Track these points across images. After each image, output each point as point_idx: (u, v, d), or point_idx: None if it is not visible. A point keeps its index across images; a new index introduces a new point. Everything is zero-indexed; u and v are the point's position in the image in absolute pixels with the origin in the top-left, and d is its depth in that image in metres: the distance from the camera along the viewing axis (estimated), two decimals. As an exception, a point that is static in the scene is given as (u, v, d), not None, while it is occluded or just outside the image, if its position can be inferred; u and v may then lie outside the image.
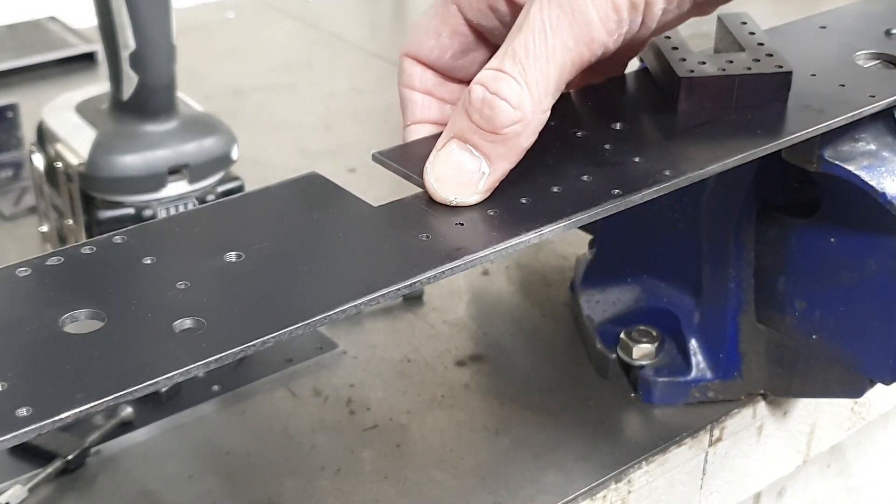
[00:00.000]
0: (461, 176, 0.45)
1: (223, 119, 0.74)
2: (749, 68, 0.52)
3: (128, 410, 0.62)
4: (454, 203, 0.45)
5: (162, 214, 0.69)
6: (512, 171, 0.47)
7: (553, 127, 0.53)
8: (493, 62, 0.45)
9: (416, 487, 0.59)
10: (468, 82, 0.46)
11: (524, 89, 0.44)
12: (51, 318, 0.37)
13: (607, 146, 0.50)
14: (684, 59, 0.53)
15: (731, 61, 0.53)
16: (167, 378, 0.35)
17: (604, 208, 0.45)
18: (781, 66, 0.52)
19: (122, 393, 0.34)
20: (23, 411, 0.33)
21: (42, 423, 0.33)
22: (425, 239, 0.43)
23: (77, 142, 0.70)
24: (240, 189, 0.73)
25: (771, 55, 0.53)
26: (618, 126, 0.51)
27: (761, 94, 0.52)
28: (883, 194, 0.55)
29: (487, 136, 0.45)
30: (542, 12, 0.44)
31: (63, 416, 0.33)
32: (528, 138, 0.45)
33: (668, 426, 0.63)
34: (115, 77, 0.69)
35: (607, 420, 0.64)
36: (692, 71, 0.52)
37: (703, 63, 0.53)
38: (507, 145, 0.45)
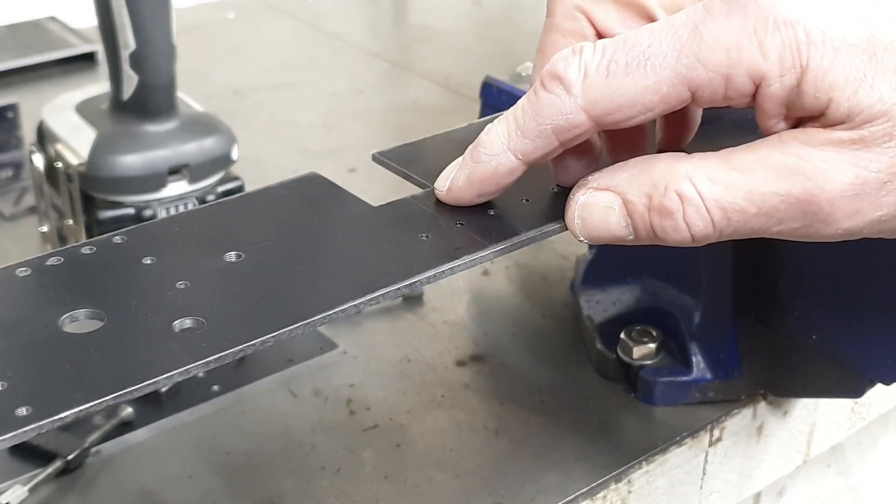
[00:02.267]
0: (603, 232, 0.43)
1: (223, 119, 0.74)
2: None
3: (128, 410, 0.62)
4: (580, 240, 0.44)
5: (162, 214, 0.69)
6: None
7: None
8: (711, 160, 0.40)
9: (416, 487, 0.59)
10: None
11: (707, 225, 0.40)
12: (50, 318, 0.38)
13: (607, 146, 0.50)
14: None
15: None
16: (167, 377, 0.35)
17: (603, 208, 0.45)
18: None
19: (121, 392, 0.34)
20: (22, 410, 0.33)
21: (42, 423, 0.33)
22: (425, 239, 0.43)
23: (77, 142, 0.70)
24: (240, 189, 0.73)
25: None
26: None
27: None
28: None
29: (652, 235, 0.42)
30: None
31: (63, 415, 0.33)
32: None
33: (668, 426, 0.63)
34: (115, 77, 0.69)
35: (607, 420, 0.64)
36: None
37: None
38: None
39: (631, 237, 0.42)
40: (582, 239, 0.43)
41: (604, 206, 0.42)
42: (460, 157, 0.45)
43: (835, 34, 0.38)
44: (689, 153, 0.42)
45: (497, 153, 0.43)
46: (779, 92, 0.39)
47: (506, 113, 0.43)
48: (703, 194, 0.40)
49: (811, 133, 0.39)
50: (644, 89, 0.40)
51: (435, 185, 0.46)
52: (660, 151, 0.48)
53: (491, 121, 0.50)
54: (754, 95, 0.39)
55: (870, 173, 0.38)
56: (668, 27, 0.40)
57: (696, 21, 0.39)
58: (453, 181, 0.45)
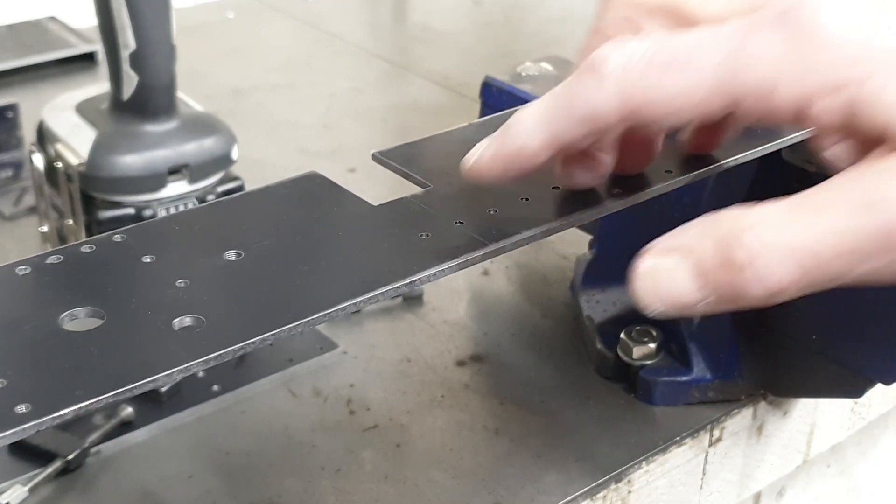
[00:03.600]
0: (668, 297, 0.39)
1: (223, 119, 0.74)
2: None
3: (128, 410, 0.62)
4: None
5: (162, 214, 0.69)
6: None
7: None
8: (779, 205, 0.37)
9: (416, 487, 0.59)
10: None
11: (783, 276, 0.36)
12: (50, 316, 0.37)
13: (607, 145, 0.50)
14: None
15: None
16: (166, 375, 0.35)
17: (604, 208, 0.45)
18: None
19: (121, 390, 0.34)
20: (22, 408, 0.33)
21: (41, 420, 0.33)
22: (425, 238, 0.43)
23: (77, 142, 0.70)
24: (240, 189, 0.73)
25: None
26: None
27: None
28: (883, 194, 0.55)
29: (726, 297, 0.38)
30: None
31: (62, 412, 0.33)
32: None
33: (668, 426, 0.63)
34: (115, 77, 0.69)
35: (607, 420, 0.64)
36: None
37: None
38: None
39: (705, 302, 0.38)
40: (650, 313, 0.39)
41: (670, 270, 0.39)
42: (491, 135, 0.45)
43: (890, 48, 0.36)
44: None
45: (524, 133, 0.43)
46: (827, 111, 0.37)
47: (543, 95, 0.43)
48: (773, 242, 0.36)
49: (886, 160, 0.36)
50: (682, 89, 0.39)
51: (462, 161, 0.45)
52: (688, 154, 0.48)
53: (491, 121, 0.51)
54: (804, 116, 0.38)
55: None
56: (716, 33, 0.39)
57: (744, 31, 0.38)
58: (479, 157, 0.44)
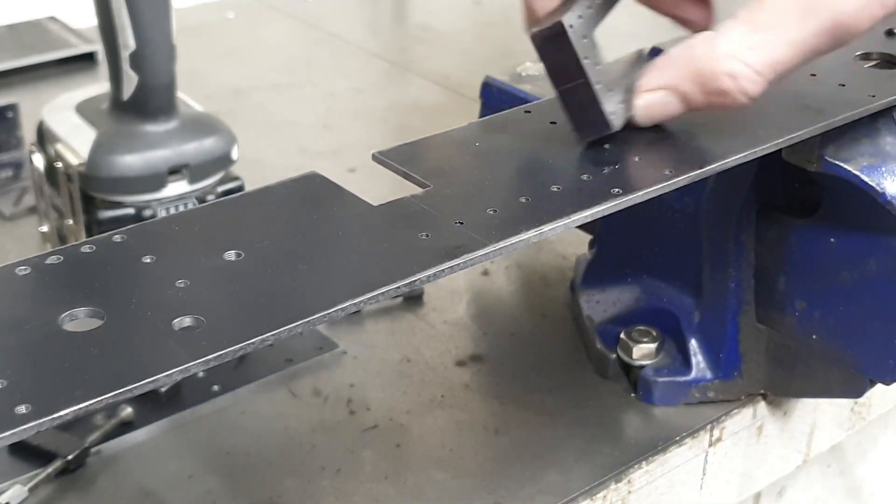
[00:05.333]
0: (666, 118, 0.49)
1: (223, 119, 0.74)
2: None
3: (128, 410, 0.62)
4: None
5: (162, 214, 0.69)
6: (511, 170, 0.47)
7: (553, 126, 0.53)
8: (739, 29, 0.46)
9: (416, 487, 0.59)
10: None
11: (761, 84, 0.46)
12: (50, 317, 0.37)
13: (607, 145, 0.50)
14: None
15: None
16: (166, 375, 0.35)
17: (603, 207, 0.45)
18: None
19: (121, 390, 0.34)
20: (22, 409, 0.33)
21: (41, 421, 0.33)
22: (425, 238, 0.43)
23: (77, 142, 0.70)
24: (240, 189, 0.73)
25: None
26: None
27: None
28: (883, 194, 0.55)
29: (710, 106, 0.48)
30: None
31: (62, 413, 0.33)
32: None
33: (668, 426, 0.63)
34: (115, 77, 0.69)
35: (607, 420, 0.64)
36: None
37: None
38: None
39: (689, 111, 0.49)
40: (645, 124, 0.50)
41: (662, 102, 0.49)
42: None
43: None
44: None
45: None
46: None
47: None
48: (750, 63, 0.45)
49: None
50: None
51: None
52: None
53: (491, 121, 0.51)
54: None
55: None
56: None
57: None
58: None
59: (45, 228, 0.77)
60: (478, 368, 0.69)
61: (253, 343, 0.37)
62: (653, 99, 0.49)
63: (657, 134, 0.51)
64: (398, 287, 0.40)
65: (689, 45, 0.48)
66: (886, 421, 0.87)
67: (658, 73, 0.49)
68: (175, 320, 0.37)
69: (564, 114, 0.51)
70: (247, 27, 1.26)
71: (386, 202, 0.45)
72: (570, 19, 0.49)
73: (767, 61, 0.46)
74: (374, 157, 0.49)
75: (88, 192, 0.69)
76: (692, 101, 0.48)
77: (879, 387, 0.61)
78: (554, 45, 0.49)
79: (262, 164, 0.90)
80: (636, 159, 0.49)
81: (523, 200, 0.45)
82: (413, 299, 0.74)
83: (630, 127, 0.51)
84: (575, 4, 0.49)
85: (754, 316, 0.63)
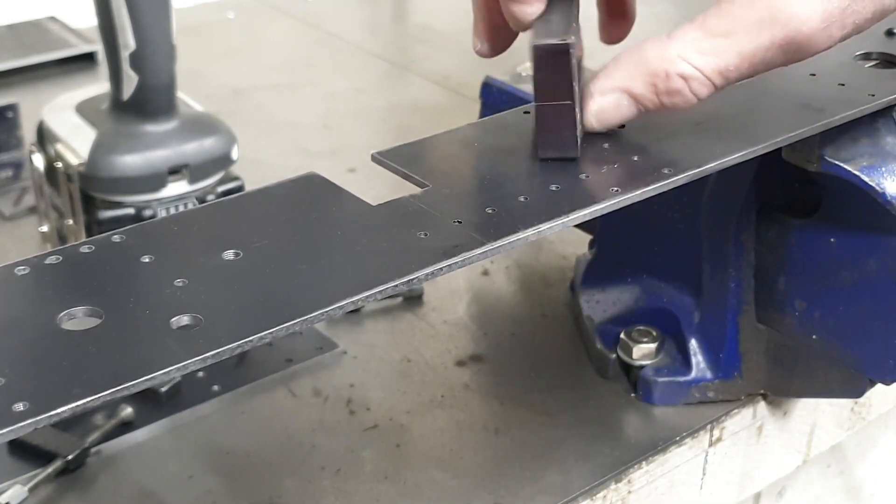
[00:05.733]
0: (619, 121, 0.50)
1: (223, 119, 0.74)
2: None
3: (128, 410, 0.62)
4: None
5: (162, 214, 0.69)
6: (510, 169, 0.47)
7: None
8: (692, 34, 0.46)
9: (416, 487, 0.59)
10: None
11: (710, 89, 0.47)
12: (49, 316, 0.38)
13: (606, 145, 0.50)
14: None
15: None
16: (164, 373, 0.35)
17: (602, 206, 0.45)
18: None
19: (118, 388, 0.34)
20: (20, 406, 0.33)
21: (39, 418, 0.33)
22: (424, 237, 0.43)
23: (77, 142, 0.70)
24: (240, 189, 0.73)
25: None
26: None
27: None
28: (883, 194, 0.55)
29: (661, 108, 0.48)
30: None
31: (60, 410, 0.33)
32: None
33: (668, 426, 0.63)
34: (115, 77, 0.69)
35: (607, 420, 0.64)
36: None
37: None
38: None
39: (641, 113, 0.49)
40: (599, 129, 0.50)
41: (615, 105, 0.49)
42: None
43: None
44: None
45: None
46: None
47: None
48: (700, 68, 0.46)
49: None
50: None
51: None
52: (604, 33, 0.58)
53: (491, 121, 0.50)
54: None
55: (833, 5, 0.45)
56: None
57: None
58: None
59: (45, 228, 0.77)
60: (478, 368, 0.69)
61: (251, 341, 0.37)
62: (605, 102, 0.49)
63: (656, 133, 0.51)
64: (396, 285, 0.40)
65: (640, 47, 0.48)
66: (886, 421, 0.87)
67: (610, 76, 0.49)
68: (173, 319, 0.37)
69: (535, 126, 0.50)
70: (247, 27, 1.26)
71: (385, 202, 0.45)
72: (571, 38, 0.48)
73: (715, 68, 0.46)
74: (374, 158, 0.49)
75: (88, 192, 0.69)
76: (645, 101, 0.48)
77: (879, 387, 0.61)
78: (554, 61, 0.48)
79: (262, 164, 0.90)
80: (635, 158, 0.49)
81: (522, 200, 0.45)
82: (413, 299, 0.74)
83: (630, 126, 0.51)
84: (571, 25, 0.49)
85: (754, 316, 0.63)
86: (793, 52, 0.46)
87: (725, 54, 0.46)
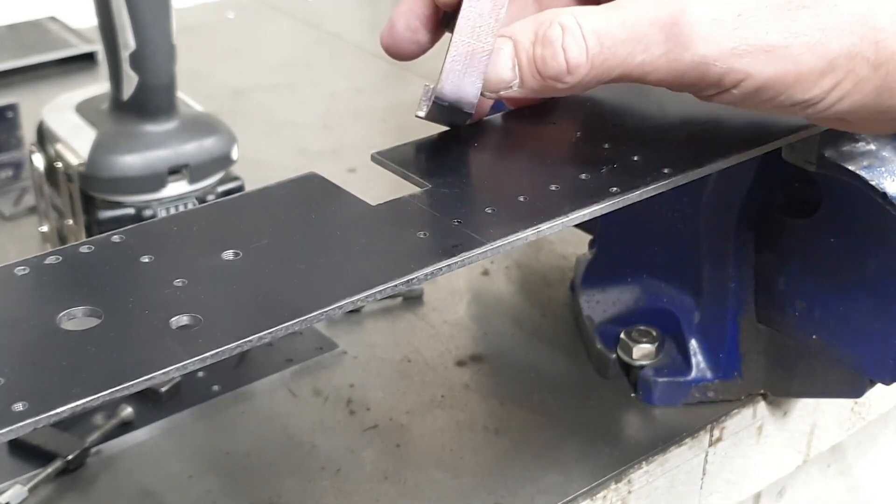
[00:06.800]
0: (495, 77, 0.47)
1: (223, 119, 0.74)
2: None
3: (128, 410, 0.62)
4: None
5: (162, 214, 0.69)
6: (509, 169, 0.47)
7: (552, 125, 0.53)
8: (590, 7, 0.46)
9: (416, 487, 0.59)
10: None
11: (582, 52, 0.45)
12: (48, 316, 0.38)
13: (606, 145, 0.50)
14: None
15: None
16: (163, 373, 0.35)
17: (602, 206, 0.45)
18: None
19: (118, 388, 0.34)
20: (19, 406, 0.33)
21: (38, 418, 0.33)
22: (423, 237, 0.43)
23: (77, 142, 0.70)
24: (240, 189, 0.73)
25: None
26: (616, 124, 0.51)
27: None
28: (883, 194, 0.55)
29: (534, 71, 0.46)
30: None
31: (59, 410, 0.33)
32: (569, 91, 0.46)
33: (668, 426, 0.63)
34: (115, 77, 0.69)
35: (607, 420, 0.64)
36: None
37: None
38: (545, 84, 0.46)
39: (516, 81, 0.46)
40: (486, 94, 0.47)
41: (500, 51, 0.47)
42: None
43: None
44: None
45: None
46: None
47: None
48: (581, 24, 0.45)
49: None
50: None
51: None
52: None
53: (490, 121, 0.50)
54: None
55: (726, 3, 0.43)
56: None
57: None
58: None
59: (45, 228, 0.77)
60: (478, 368, 0.69)
61: (250, 341, 0.37)
62: (496, 47, 0.47)
63: (656, 133, 0.51)
64: (396, 285, 0.40)
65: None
66: (886, 421, 0.87)
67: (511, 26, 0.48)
68: (173, 319, 0.37)
69: (427, 92, 0.50)
70: (247, 27, 1.26)
71: (384, 202, 0.45)
72: None
73: (594, 27, 0.45)
74: (374, 158, 0.49)
75: (88, 192, 0.69)
76: (521, 53, 0.46)
77: (879, 387, 0.61)
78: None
79: (262, 164, 0.90)
80: (635, 158, 0.49)
81: (521, 199, 0.45)
82: (413, 299, 0.74)
83: (629, 126, 0.51)
84: None
85: (754, 316, 0.63)
86: (674, 38, 0.43)
87: (610, 19, 0.45)
